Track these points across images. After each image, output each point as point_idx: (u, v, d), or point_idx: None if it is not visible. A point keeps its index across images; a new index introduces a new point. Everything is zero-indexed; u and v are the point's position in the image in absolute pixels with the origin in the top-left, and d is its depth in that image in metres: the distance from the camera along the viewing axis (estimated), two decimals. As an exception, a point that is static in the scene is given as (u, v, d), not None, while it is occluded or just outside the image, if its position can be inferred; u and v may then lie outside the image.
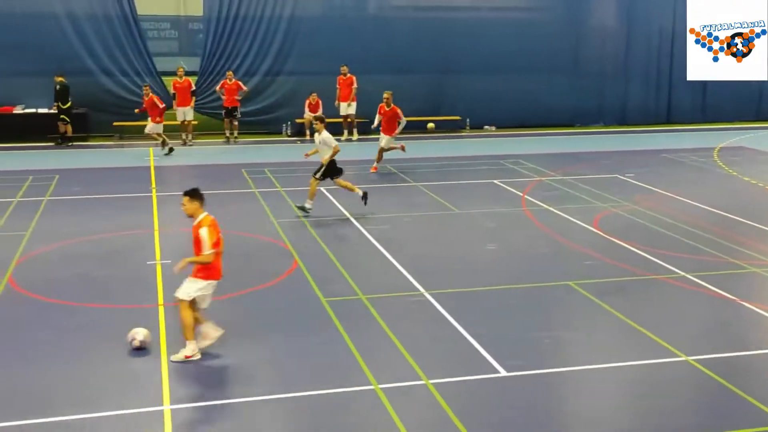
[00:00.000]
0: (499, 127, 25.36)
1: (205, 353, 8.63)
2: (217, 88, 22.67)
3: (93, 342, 9.01)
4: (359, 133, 23.42)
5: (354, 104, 23.15)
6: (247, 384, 8.08)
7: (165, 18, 28.58)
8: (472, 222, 14.51)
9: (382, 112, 18.90)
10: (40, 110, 22.17)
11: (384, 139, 18.79)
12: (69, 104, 21.49)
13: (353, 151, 20.72)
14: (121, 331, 9.24)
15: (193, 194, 8.62)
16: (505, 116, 25.27)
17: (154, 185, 16.97)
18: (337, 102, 23.11)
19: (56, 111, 21.46)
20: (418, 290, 10.71)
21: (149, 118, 20.76)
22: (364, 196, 14.64)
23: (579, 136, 24.74)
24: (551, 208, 15.17)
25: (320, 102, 23.05)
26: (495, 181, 17.65)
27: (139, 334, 8.66)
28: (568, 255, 12.46)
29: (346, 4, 24.87)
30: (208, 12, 23.53)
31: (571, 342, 9.26)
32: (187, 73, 22.68)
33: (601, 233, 13.51)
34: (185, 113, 22.26)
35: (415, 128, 24.55)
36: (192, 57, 24.63)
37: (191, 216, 8.64)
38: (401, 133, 18.95)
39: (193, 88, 22.42)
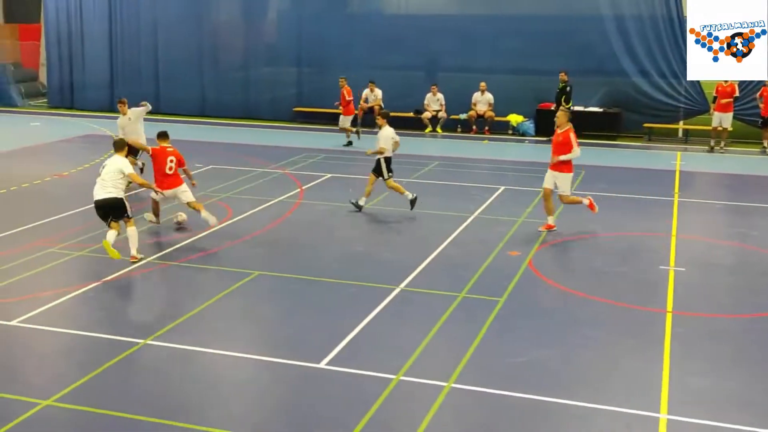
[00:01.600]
0: None
1: (724, 371, 8.29)
2: (757, 95, 21.16)
3: (601, 334, 9.21)
4: None
5: None
6: (748, 411, 7.45)
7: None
8: None
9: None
10: (590, 108, 23.06)
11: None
12: (569, 104, 21.55)
13: None
14: (626, 329, 9.35)
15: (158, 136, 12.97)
16: None
17: (677, 190, 16.61)
18: None
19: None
20: None
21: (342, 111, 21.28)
22: (357, 206, 14.37)
23: None
24: None
25: None
26: None
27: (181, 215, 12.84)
28: None
29: None
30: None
31: None
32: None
33: None
34: (722, 119, 21.25)
35: None
36: (736, 60, 23.38)
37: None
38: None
39: (737, 93, 21.23)
